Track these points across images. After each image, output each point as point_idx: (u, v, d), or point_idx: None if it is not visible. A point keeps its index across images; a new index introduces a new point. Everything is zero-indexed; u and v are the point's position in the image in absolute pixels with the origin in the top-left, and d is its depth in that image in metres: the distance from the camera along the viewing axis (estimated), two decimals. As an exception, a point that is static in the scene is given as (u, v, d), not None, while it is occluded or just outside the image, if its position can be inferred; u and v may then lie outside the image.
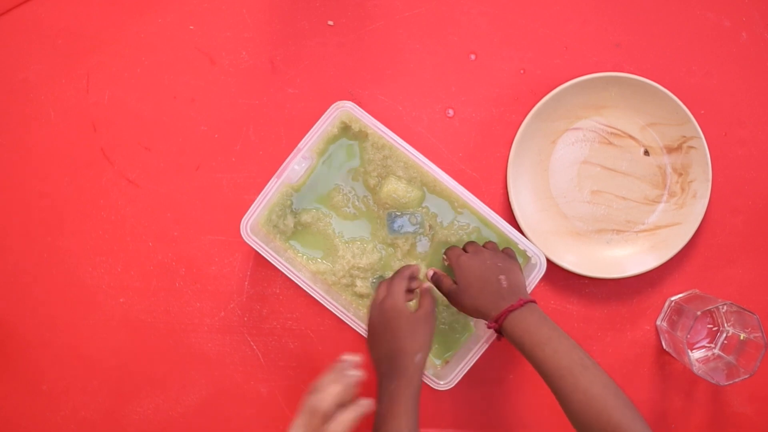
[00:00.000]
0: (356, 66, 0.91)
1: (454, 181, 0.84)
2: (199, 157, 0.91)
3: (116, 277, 0.92)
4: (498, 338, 0.79)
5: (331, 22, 0.91)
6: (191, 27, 0.91)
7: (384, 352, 0.78)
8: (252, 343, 0.92)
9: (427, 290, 0.83)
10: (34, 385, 0.92)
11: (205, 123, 0.91)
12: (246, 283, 0.92)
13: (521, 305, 0.75)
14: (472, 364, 0.85)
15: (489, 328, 0.77)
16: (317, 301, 0.85)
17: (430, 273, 0.86)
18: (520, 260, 0.86)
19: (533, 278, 0.84)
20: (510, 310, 0.75)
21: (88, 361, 0.92)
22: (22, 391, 0.92)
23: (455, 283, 0.82)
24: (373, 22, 0.91)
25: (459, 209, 0.89)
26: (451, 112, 0.92)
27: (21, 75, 0.91)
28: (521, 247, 0.85)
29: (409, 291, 0.83)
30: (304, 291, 0.85)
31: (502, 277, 0.79)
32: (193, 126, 0.91)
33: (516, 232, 0.85)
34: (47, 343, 0.92)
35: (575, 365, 0.69)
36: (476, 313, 0.79)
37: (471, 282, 0.80)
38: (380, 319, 0.79)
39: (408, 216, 0.88)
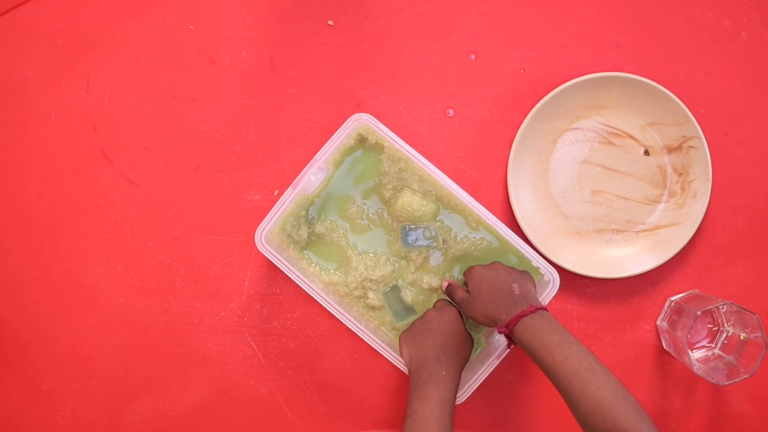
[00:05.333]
0: (356, 66, 0.91)
1: (468, 195, 0.84)
2: (199, 157, 0.91)
3: (116, 277, 0.92)
4: (508, 345, 0.80)
5: (331, 22, 0.91)
6: (191, 27, 0.91)
7: (432, 350, 0.81)
8: (252, 343, 0.92)
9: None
10: (34, 385, 0.92)
11: (205, 123, 0.91)
12: (246, 283, 0.92)
13: (532, 311, 0.75)
14: (483, 379, 0.85)
15: (500, 333, 0.77)
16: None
17: (445, 284, 0.87)
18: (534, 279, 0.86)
19: (546, 295, 0.84)
20: (521, 316, 0.75)
21: (88, 361, 0.92)
22: (22, 391, 0.92)
23: (468, 292, 0.83)
24: (373, 22, 0.91)
25: (473, 224, 0.88)
26: (451, 112, 0.92)
27: (21, 75, 0.91)
28: (534, 264, 0.85)
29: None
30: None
31: (514, 285, 0.79)
32: (193, 126, 0.91)
33: (530, 248, 0.85)
34: (47, 343, 0.92)
35: (583, 370, 0.70)
36: (487, 320, 0.79)
37: (483, 289, 0.81)
38: (442, 318, 0.83)
39: (422, 229, 0.88)
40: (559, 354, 0.71)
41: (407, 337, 0.85)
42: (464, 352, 0.83)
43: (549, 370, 0.72)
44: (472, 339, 0.85)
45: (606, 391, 0.68)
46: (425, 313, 0.85)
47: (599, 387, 0.68)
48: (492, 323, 0.79)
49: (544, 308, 0.77)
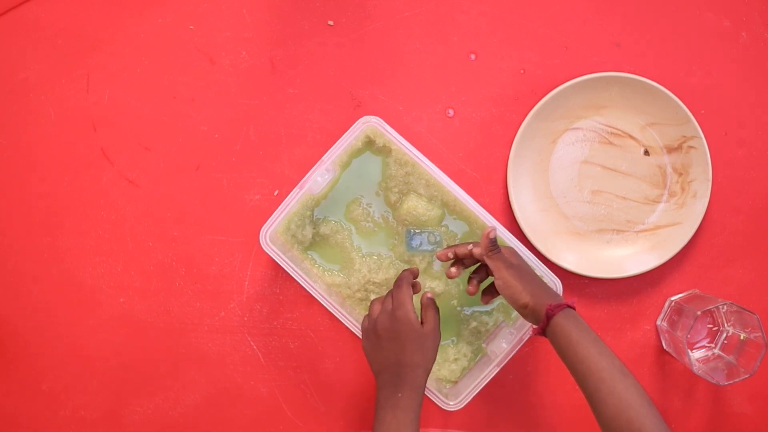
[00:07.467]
0: (356, 66, 0.91)
1: (475, 202, 0.84)
2: (199, 157, 0.91)
3: (116, 277, 0.92)
4: (538, 331, 0.76)
5: (331, 22, 0.91)
6: (191, 27, 0.91)
7: (391, 361, 0.78)
8: (252, 343, 0.92)
9: (430, 303, 0.81)
10: (34, 385, 0.92)
11: (205, 123, 0.91)
12: (246, 283, 0.92)
13: (574, 307, 0.76)
14: (482, 386, 0.85)
15: (547, 312, 0.74)
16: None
17: (494, 234, 0.79)
18: None
19: None
20: (568, 305, 0.75)
21: (88, 361, 0.92)
22: (22, 391, 0.92)
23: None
24: (373, 22, 0.91)
25: (478, 231, 0.88)
26: (451, 112, 0.92)
27: (21, 75, 0.91)
28: (538, 272, 0.85)
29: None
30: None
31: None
32: (193, 126, 0.91)
33: (533, 257, 0.85)
34: (47, 343, 0.92)
35: (616, 370, 0.70)
36: (531, 296, 0.76)
37: (531, 270, 0.81)
38: (390, 329, 0.78)
39: (427, 234, 0.88)
40: (595, 348, 0.71)
41: (366, 348, 0.81)
42: (426, 357, 0.79)
43: (581, 362, 0.71)
44: (436, 334, 0.80)
45: (634, 396, 0.68)
46: (376, 322, 0.79)
47: (628, 389, 0.68)
48: (534, 300, 0.76)
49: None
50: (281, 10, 0.91)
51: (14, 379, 0.92)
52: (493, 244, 0.79)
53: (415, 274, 0.83)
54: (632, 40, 0.91)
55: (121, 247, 0.92)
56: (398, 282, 0.81)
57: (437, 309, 0.81)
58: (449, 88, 0.91)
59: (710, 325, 0.91)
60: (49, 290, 0.92)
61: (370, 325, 0.80)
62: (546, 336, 0.75)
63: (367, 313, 0.82)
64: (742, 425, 0.93)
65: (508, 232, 0.85)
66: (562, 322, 0.73)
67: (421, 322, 0.80)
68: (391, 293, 0.81)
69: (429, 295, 0.82)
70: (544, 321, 0.75)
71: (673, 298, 0.92)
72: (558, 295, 0.79)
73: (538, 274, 0.85)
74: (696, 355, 0.90)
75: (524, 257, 0.84)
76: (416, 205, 0.87)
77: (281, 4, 0.91)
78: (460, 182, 0.85)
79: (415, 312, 0.79)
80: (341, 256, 0.90)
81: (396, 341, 0.78)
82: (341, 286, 0.89)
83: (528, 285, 0.77)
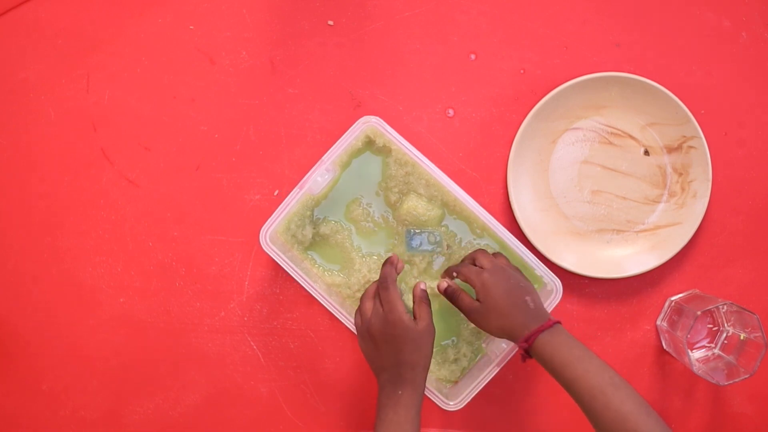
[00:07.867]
0: (356, 66, 0.91)
1: (475, 202, 0.84)
2: (199, 157, 0.91)
3: (116, 277, 0.92)
4: (523, 359, 0.77)
5: (331, 22, 0.91)
6: (191, 27, 0.91)
7: (389, 363, 0.78)
8: (252, 343, 0.92)
9: (422, 298, 0.80)
10: (34, 385, 0.92)
11: (205, 123, 0.91)
12: (246, 283, 0.92)
13: (551, 325, 0.75)
14: (482, 386, 0.85)
15: (520, 346, 0.75)
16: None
17: (444, 285, 0.82)
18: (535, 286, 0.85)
19: (549, 304, 0.84)
20: (541, 330, 0.74)
21: (88, 361, 0.92)
22: (22, 391, 0.92)
23: (477, 300, 0.79)
24: (373, 22, 0.91)
25: (478, 231, 0.88)
26: (451, 112, 0.92)
27: (21, 75, 0.91)
28: (538, 273, 0.85)
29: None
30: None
31: (528, 298, 0.78)
32: (193, 126, 0.91)
33: (533, 257, 0.85)
34: (47, 343, 0.92)
35: (606, 384, 0.70)
36: (502, 332, 0.77)
37: (497, 301, 0.77)
38: (384, 332, 0.77)
39: (427, 234, 0.88)
40: (580, 368, 0.71)
41: (364, 350, 0.81)
42: (423, 354, 0.78)
43: (570, 384, 0.71)
44: (431, 329, 0.79)
45: (629, 406, 0.68)
46: (369, 324, 0.78)
47: (623, 401, 0.68)
48: (507, 335, 0.77)
49: (558, 321, 0.76)
50: (281, 10, 0.91)
51: (14, 379, 0.92)
52: (451, 296, 0.81)
53: (393, 262, 0.80)
54: (632, 40, 0.91)
55: (121, 247, 0.92)
56: (383, 282, 0.79)
57: (429, 302, 0.80)
58: (449, 88, 0.91)
59: (710, 325, 0.91)
60: (49, 290, 0.92)
61: (363, 327, 0.80)
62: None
63: (358, 308, 0.81)
64: (742, 425, 0.93)
65: (508, 233, 0.85)
66: (541, 348, 0.74)
67: (414, 316, 0.79)
68: (378, 294, 0.79)
69: (422, 286, 0.81)
70: (520, 354, 0.76)
71: (673, 298, 0.92)
72: (536, 314, 0.77)
73: (538, 274, 0.85)
74: (696, 355, 0.90)
75: (521, 255, 0.83)
76: (416, 205, 0.87)
77: (281, 4, 0.91)
78: (460, 182, 0.85)
79: (407, 311, 0.78)
80: (341, 256, 0.90)
81: (392, 344, 0.77)
82: (341, 286, 0.89)
83: (496, 320, 0.77)
